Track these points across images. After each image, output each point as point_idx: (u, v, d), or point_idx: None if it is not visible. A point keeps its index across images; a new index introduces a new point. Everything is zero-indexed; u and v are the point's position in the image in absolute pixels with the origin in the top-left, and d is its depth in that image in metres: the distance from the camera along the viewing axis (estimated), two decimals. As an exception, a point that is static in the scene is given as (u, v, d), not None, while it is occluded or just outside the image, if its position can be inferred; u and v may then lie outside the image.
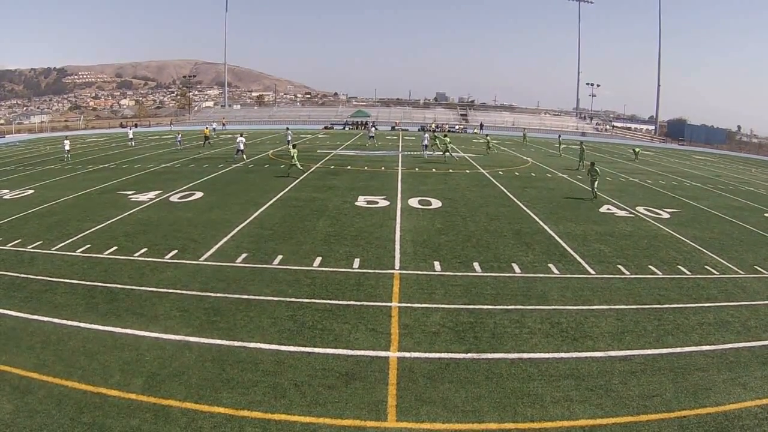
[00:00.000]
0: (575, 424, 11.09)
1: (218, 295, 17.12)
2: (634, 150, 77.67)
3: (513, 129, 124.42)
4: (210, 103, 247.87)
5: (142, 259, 20.78)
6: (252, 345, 13.83)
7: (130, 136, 73.02)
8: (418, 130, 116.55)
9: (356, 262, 20.70)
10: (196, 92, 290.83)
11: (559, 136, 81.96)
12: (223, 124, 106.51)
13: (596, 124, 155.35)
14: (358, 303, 16.67)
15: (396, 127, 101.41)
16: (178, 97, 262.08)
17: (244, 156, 49.26)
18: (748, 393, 12.94)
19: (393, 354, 13.76)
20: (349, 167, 49.28)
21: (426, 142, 58.99)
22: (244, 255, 21.23)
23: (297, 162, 41.94)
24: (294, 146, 44.80)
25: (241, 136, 52.61)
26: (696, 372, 13.70)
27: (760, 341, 15.94)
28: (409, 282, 18.71)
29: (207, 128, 74.39)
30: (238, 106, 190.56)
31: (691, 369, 13.83)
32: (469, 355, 13.80)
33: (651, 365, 13.86)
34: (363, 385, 12.22)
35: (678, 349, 14.86)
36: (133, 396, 11.50)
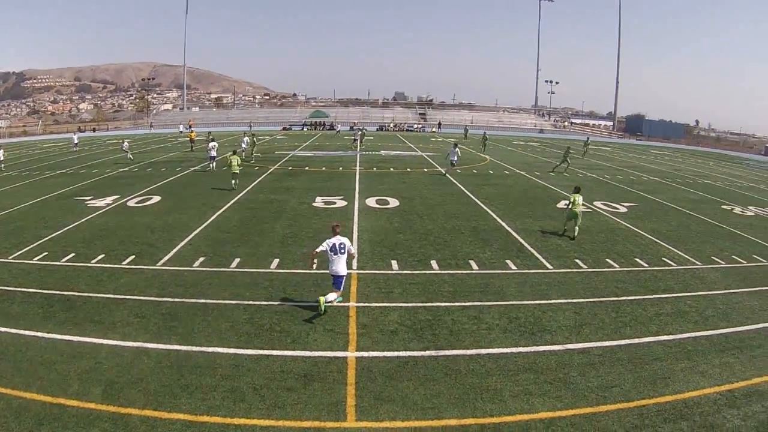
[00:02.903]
0: (535, 417, 11.23)
1: (176, 300, 16.96)
2: (585, 142, 77.08)
3: (474, 128, 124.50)
4: (169, 106, 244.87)
5: (100, 265, 20.50)
6: (210, 349, 13.73)
7: (75, 141, 71.12)
8: (377, 130, 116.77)
9: (314, 263, 20.65)
10: (155, 95, 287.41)
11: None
12: (190, 126, 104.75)
13: (554, 121, 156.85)
14: (316, 304, 16.58)
15: (354, 127, 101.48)
16: (137, 100, 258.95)
17: (214, 164, 47.17)
18: (706, 380, 13.28)
19: (351, 354, 13.79)
20: (306, 168, 49.14)
21: (455, 157, 46.19)
22: (201, 259, 21.07)
23: (237, 171, 37.91)
24: (234, 152, 41.65)
25: (213, 141, 48.95)
26: (654, 362, 13.98)
27: (717, 330, 16.34)
28: (366, 281, 18.73)
29: (193, 131, 73.25)
30: (197, 108, 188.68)
31: (650, 359, 14.11)
32: (428, 353, 13.88)
33: (609, 357, 14.11)
34: (322, 386, 12.23)
35: (636, 340, 15.15)
36: (92, 405, 11.35)
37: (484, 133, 77.68)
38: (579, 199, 25.94)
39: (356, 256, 17.01)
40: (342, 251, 15.89)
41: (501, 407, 11.51)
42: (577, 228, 25.97)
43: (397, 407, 11.43)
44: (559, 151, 68.79)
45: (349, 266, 19.01)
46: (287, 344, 14.21)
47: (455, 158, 45.53)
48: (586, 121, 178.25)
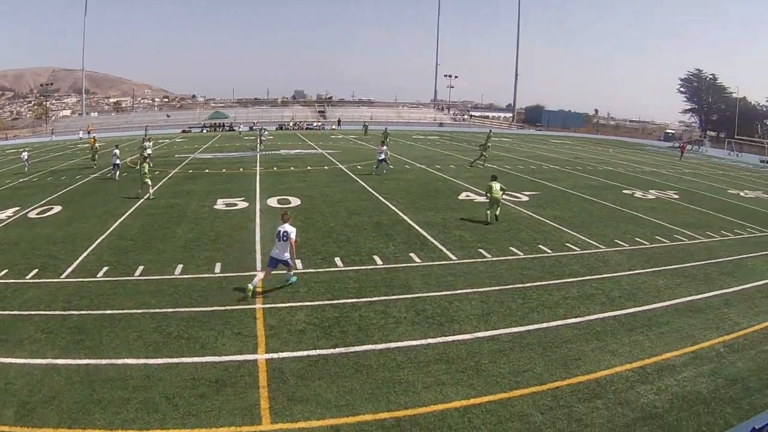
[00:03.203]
0: (449, 406, 11.42)
1: (82, 312, 16.37)
2: (487, 135, 78.16)
3: (374, 124, 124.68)
4: (67, 112, 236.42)
5: (3, 281, 19.57)
6: (119, 361, 13.36)
7: None
8: (277, 129, 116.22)
9: (218, 267, 20.40)
10: (54, 101, 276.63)
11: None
12: (89, 132, 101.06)
13: (454, 114, 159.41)
14: (222, 308, 16.42)
15: (254, 128, 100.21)
16: (35, 107, 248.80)
17: (117, 172, 44.47)
18: (617, 359, 13.91)
19: (261, 356, 13.67)
20: (207, 170, 48.18)
21: (382, 155, 45.29)
22: (105, 268, 20.41)
23: (147, 181, 35.66)
24: (145, 159, 40.14)
25: (117, 148, 46.61)
26: (564, 344, 14.49)
27: (624, 309, 17.12)
28: (271, 282, 18.49)
29: (93, 137, 70.20)
30: (96, 113, 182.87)
31: (559, 342, 14.62)
32: (337, 350, 13.90)
33: (519, 342, 14.52)
34: (234, 391, 12.07)
35: (544, 324, 15.66)
36: (6, 429, 10.84)
37: (386, 129, 78.14)
38: (496, 185, 27.45)
39: (295, 248, 18.53)
40: (285, 239, 17.77)
41: (415, 399, 11.64)
42: (498, 212, 27.75)
43: (311, 407, 11.41)
44: (458, 144, 69.91)
45: (250, 268, 19.07)
46: (196, 351, 13.98)
47: (383, 156, 44.89)
48: (486, 114, 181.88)
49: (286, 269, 18.50)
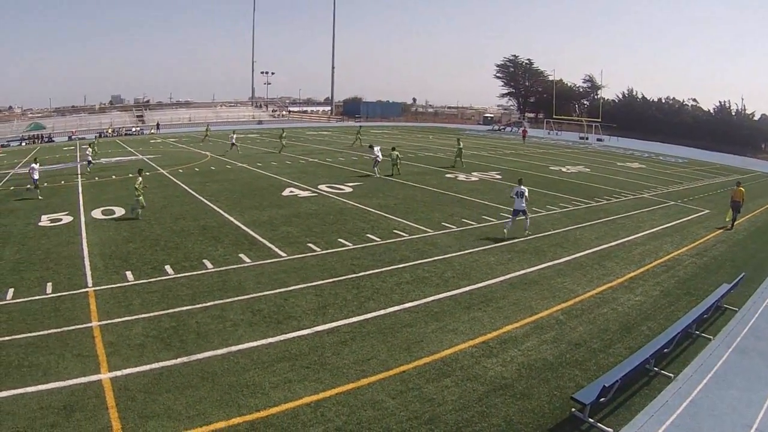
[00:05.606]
0: (300, 403, 11.46)
1: None
2: (357, 130, 77.10)
3: (192, 125, 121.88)
4: None
5: None
6: (-37, 401, 12.43)
7: None
8: (97, 137, 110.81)
9: (49, 287, 19.15)
10: None
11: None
12: None
13: (273, 111, 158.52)
14: (59, 330, 15.41)
15: (73, 137, 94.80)
16: None
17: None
18: (459, 337, 14.50)
19: (105, 376, 12.97)
20: (28, 186, 45.15)
21: (379, 156, 43.65)
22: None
23: None
24: None
25: (36, 162, 40.92)
26: (404, 329, 14.92)
27: (459, 289, 17.88)
28: (104, 297, 17.64)
29: None
30: None
31: (399, 327, 15.04)
32: (180, 360, 13.50)
33: (359, 331, 14.80)
34: (84, 415, 11.38)
35: (382, 312, 16.07)
36: None
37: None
38: (394, 153, 41.81)
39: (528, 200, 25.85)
40: (520, 196, 24.78)
41: (264, 400, 11.58)
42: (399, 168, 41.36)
43: (163, 421, 11.06)
44: (275, 140, 69.63)
45: (81, 285, 18.17)
46: (39, 378, 13.05)
47: (379, 157, 43.11)
48: (305, 109, 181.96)
49: (525, 217, 25.26)
